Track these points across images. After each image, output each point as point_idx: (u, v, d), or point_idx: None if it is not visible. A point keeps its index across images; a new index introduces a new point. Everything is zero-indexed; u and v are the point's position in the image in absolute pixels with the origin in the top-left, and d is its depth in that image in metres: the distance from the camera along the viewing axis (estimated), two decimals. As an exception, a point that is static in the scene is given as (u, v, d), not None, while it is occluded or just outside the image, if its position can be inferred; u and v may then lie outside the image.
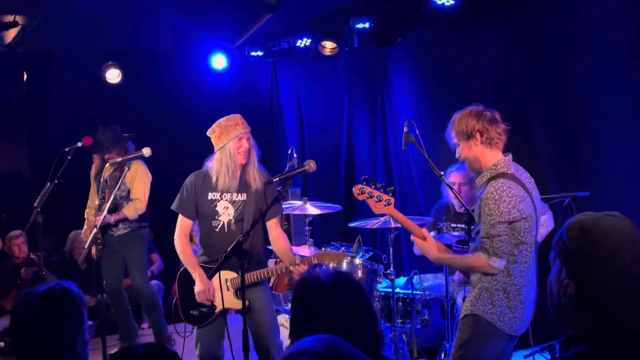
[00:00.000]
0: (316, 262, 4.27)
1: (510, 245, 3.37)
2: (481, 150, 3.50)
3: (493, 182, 3.37)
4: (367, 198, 3.66)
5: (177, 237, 4.45)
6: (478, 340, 3.46)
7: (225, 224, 4.34)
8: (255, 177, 4.32)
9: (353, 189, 3.70)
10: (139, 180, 5.92)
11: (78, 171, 5.94)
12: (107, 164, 5.81)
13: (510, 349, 3.66)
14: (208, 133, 4.34)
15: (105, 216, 5.35)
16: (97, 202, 5.75)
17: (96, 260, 5.58)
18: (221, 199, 4.34)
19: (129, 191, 5.93)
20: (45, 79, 7.84)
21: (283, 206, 4.94)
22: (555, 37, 5.75)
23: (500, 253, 3.34)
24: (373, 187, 3.67)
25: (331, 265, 5.23)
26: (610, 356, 1.61)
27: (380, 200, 3.65)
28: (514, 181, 3.37)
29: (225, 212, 4.34)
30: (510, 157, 3.53)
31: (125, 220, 5.90)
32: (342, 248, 5.47)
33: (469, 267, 3.54)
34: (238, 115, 4.33)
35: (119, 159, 5.43)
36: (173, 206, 4.46)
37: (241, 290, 3.74)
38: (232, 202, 4.33)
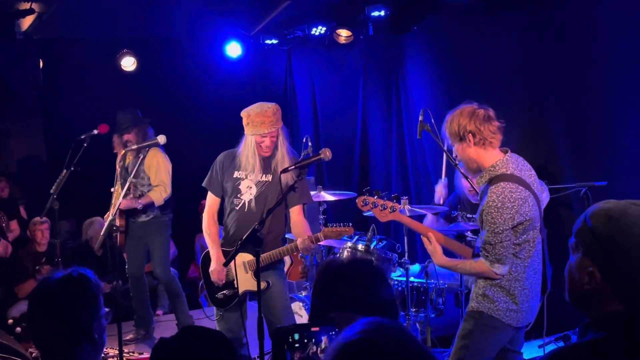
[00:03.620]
0: (323, 239, 4.30)
1: (512, 246, 3.34)
2: (475, 152, 3.40)
3: (494, 187, 3.29)
4: (372, 208, 3.69)
5: (204, 215, 4.61)
6: (481, 332, 3.45)
7: (246, 202, 4.42)
8: (284, 163, 4.35)
9: (356, 200, 3.74)
10: (159, 167, 5.92)
11: (94, 158, 5.98)
12: (128, 152, 5.85)
13: (520, 337, 3.65)
14: (241, 114, 4.40)
15: (132, 201, 5.47)
16: (119, 190, 5.79)
17: (120, 246, 5.69)
18: (246, 178, 4.43)
19: (149, 178, 5.95)
20: (61, 66, 7.88)
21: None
22: (572, 25, 5.69)
23: (503, 259, 3.31)
24: (376, 196, 3.69)
25: (345, 253, 5.25)
26: (629, 344, 1.60)
27: (385, 208, 3.67)
28: (515, 182, 3.29)
29: (248, 192, 4.42)
30: (509, 154, 3.44)
31: (150, 205, 5.91)
32: (356, 236, 5.47)
33: (473, 274, 3.54)
34: (270, 110, 4.30)
35: (135, 146, 5.47)
36: (203, 183, 4.61)
37: (257, 275, 3.76)
38: (256, 183, 4.41)
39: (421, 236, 3.67)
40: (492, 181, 3.34)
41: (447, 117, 3.50)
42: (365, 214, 5.27)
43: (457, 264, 3.59)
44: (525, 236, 3.35)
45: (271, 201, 4.33)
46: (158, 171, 5.92)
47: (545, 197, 4.98)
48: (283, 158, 4.35)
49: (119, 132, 5.95)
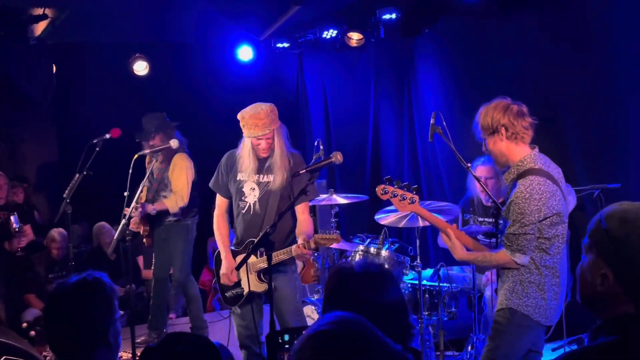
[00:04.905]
0: (313, 245, 4.24)
1: (536, 241, 3.35)
2: (506, 145, 3.46)
3: (522, 180, 3.34)
4: (391, 197, 3.68)
5: (214, 215, 4.63)
6: (514, 332, 3.46)
7: (251, 205, 4.41)
8: (282, 163, 4.33)
9: (376, 189, 3.73)
10: (180, 174, 5.89)
11: (106, 162, 6.00)
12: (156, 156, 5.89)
13: (542, 338, 3.65)
14: (237, 116, 4.38)
15: (146, 206, 5.51)
16: (145, 192, 5.82)
17: (148, 247, 5.70)
18: (248, 179, 4.41)
19: (170, 183, 5.94)
20: (74, 71, 7.93)
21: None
22: (586, 27, 5.66)
23: (524, 250, 3.33)
24: (396, 186, 3.68)
25: (357, 256, 5.25)
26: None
27: (404, 199, 3.65)
28: (543, 176, 3.34)
29: (252, 194, 4.42)
30: (536, 150, 3.49)
31: (165, 212, 5.87)
32: (368, 240, 5.47)
33: (494, 265, 3.55)
34: (263, 112, 4.26)
35: (147, 151, 5.49)
36: (210, 184, 4.63)
37: (266, 274, 3.76)
38: (259, 184, 4.39)
39: (440, 232, 3.68)
40: (520, 176, 3.38)
41: (480, 110, 3.54)
42: (377, 217, 5.29)
43: (477, 256, 3.60)
44: (554, 231, 3.37)
45: (274, 202, 4.32)
46: (178, 178, 5.88)
47: (571, 200, 4.96)
48: (281, 158, 4.33)
49: (143, 138, 5.88)
